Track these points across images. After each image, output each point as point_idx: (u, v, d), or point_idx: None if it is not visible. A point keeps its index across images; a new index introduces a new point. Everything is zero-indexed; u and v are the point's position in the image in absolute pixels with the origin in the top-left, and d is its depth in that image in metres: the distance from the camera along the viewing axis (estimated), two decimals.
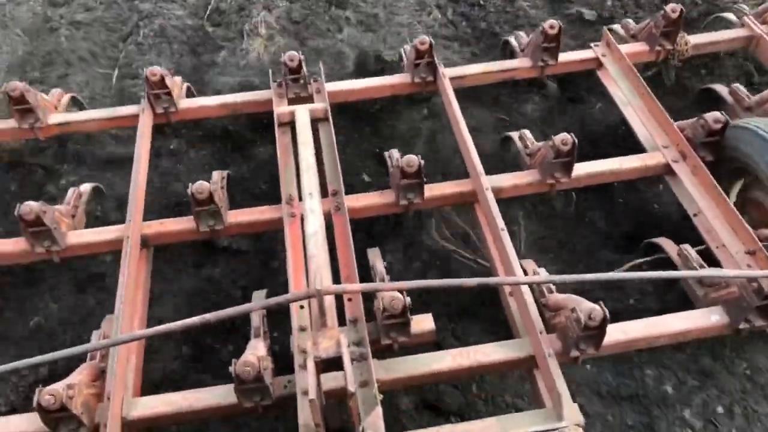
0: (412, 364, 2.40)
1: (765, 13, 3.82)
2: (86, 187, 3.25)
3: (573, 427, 2.03)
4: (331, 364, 1.86)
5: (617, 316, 2.48)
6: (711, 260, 2.76)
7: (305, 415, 2.07)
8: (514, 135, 3.39)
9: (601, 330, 2.30)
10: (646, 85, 3.38)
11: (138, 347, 2.62)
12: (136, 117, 3.43)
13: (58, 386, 2.14)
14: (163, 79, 3.37)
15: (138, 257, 2.83)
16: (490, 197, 2.91)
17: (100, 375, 2.43)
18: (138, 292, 2.76)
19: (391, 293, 2.32)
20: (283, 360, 2.45)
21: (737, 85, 3.52)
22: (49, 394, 2.08)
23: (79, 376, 2.32)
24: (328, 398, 2.07)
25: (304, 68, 3.39)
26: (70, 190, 3.16)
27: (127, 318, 2.57)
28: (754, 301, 2.38)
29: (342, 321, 2.39)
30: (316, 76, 3.50)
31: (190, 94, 3.79)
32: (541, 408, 2.36)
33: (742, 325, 2.47)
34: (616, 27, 3.97)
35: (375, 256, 2.82)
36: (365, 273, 2.69)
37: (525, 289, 2.57)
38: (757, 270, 2.57)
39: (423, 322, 2.48)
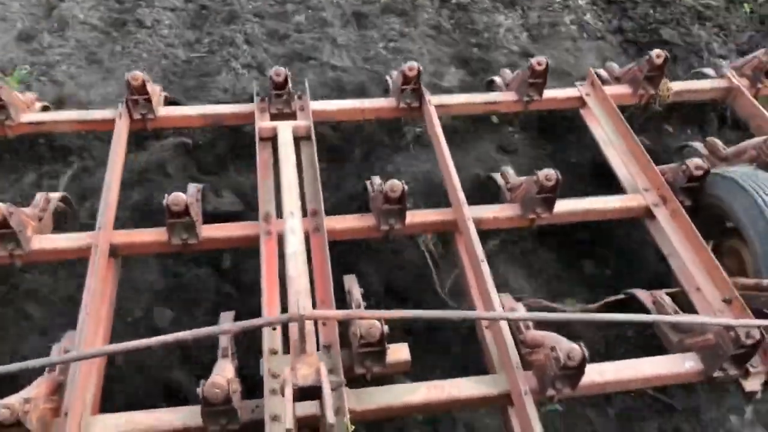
0: (385, 394, 2.34)
1: (744, 66, 3.91)
2: (54, 195, 3.12)
3: None
4: (306, 392, 1.79)
5: None
6: (683, 306, 2.77)
7: None
8: (496, 175, 3.39)
9: (579, 370, 2.27)
10: (629, 127, 3.41)
11: (100, 362, 2.50)
12: (112, 122, 3.33)
13: (14, 399, 2.03)
14: (144, 84, 3.29)
15: (106, 267, 2.72)
16: (472, 228, 2.88)
17: (58, 389, 2.31)
18: (104, 303, 2.64)
19: (370, 321, 2.26)
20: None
21: (712, 138, 3.58)
22: (4, 407, 1.96)
23: (37, 389, 2.20)
24: (300, 427, 2.00)
25: (290, 84, 3.34)
26: (39, 194, 3.03)
27: (91, 331, 2.46)
28: (729, 350, 2.38)
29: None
30: (301, 93, 3.45)
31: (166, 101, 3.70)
32: None
33: (716, 373, 2.47)
34: (600, 71, 4.01)
35: (351, 281, 2.76)
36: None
37: (503, 324, 2.53)
38: (732, 318, 2.58)
39: (399, 352, 2.43)
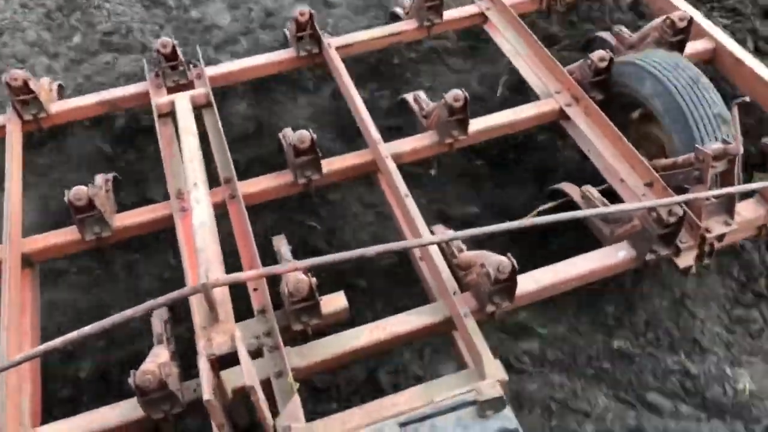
0: (328, 345, 2.30)
1: None
2: None
3: (494, 383, 1.98)
4: (227, 359, 1.74)
5: None
6: (614, 197, 2.78)
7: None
8: (409, 97, 3.32)
9: (511, 281, 2.26)
10: (532, 34, 3.36)
11: (32, 372, 2.40)
12: (2, 127, 3.16)
13: None
14: (26, 83, 3.11)
15: (20, 278, 2.60)
16: (391, 165, 2.83)
17: None
18: (25, 316, 2.53)
19: (296, 275, 2.21)
20: None
21: (620, 26, 3.56)
22: None
23: None
24: (238, 395, 1.95)
25: (180, 53, 3.19)
26: None
27: (15, 346, 2.36)
28: (655, 231, 2.39)
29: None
30: (195, 62, 3.31)
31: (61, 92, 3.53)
32: (465, 369, 2.32)
33: (648, 257, 2.48)
34: None
35: (280, 242, 2.70)
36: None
37: (435, 252, 2.50)
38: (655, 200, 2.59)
39: (334, 301, 2.38)
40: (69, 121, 3.39)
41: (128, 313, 1.71)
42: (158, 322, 2.41)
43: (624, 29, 3.51)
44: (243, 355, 1.55)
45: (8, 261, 2.56)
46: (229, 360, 1.87)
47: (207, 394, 1.45)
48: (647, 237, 2.44)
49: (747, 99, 2.60)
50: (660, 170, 2.68)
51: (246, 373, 1.50)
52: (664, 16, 3.17)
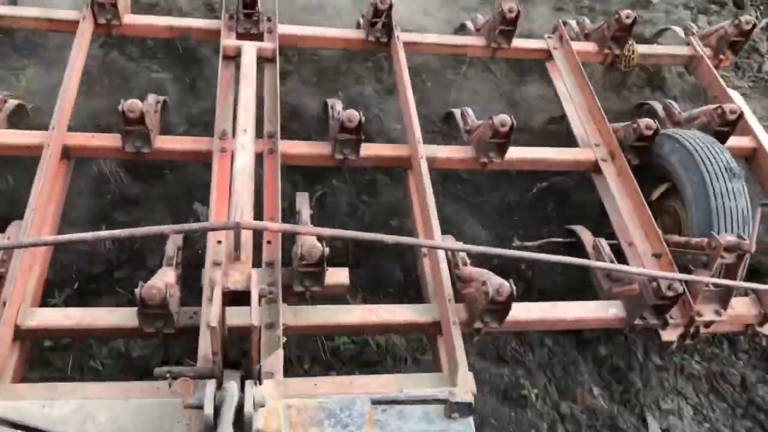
0: (321, 313, 2.43)
1: (710, 36, 3.97)
2: (11, 103, 3.09)
3: (464, 393, 2.09)
4: (239, 299, 1.86)
5: None
6: (621, 256, 2.90)
7: (205, 347, 2.07)
8: (456, 111, 3.43)
9: (506, 305, 2.38)
10: (589, 83, 3.47)
11: (43, 256, 2.53)
12: (75, 23, 3.28)
13: None
14: None
15: (56, 168, 2.73)
16: (424, 166, 2.94)
17: None
18: (51, 203, 2.65)
19: (312, 241, 2.33)
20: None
21: (670, 101, 3.67)
22: None
23: None
24: (231, 333, 2.07)
25: (259, 4, 3.31)
26: None
27: (36, 227, 2.48)
28: (651, 300, 2.51)
29: (259, 264, 2.40)
30: (270, 15, 3.42)
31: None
32: (438, 372, 2.44)
33: (636, 321, 2.60)
34: (572, 22, 4.04)
35: (302, 201, 2.81)
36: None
37: (441, 256, 2.62)
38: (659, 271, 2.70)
39: (338, 275, 2.50)
40: (136, 35, 3.50)
41: (157, 228, 1.83)
42: (172, 246, 2.53)
43: (674, 104, 3.63)
44: (254, 297, 1.67)
45: (50, 148, 2.68)
46: (234, 299, 2.00)
47: (214, 321, 1.56)
48: (641, 303, 2.55)
49: None
50: (671, 245, 2.79)
51: (254, 315, 1.62)
52: (717, 105, 3.28)
